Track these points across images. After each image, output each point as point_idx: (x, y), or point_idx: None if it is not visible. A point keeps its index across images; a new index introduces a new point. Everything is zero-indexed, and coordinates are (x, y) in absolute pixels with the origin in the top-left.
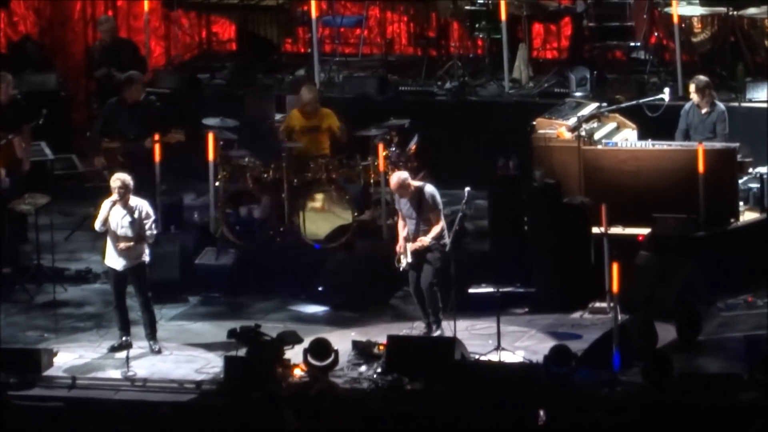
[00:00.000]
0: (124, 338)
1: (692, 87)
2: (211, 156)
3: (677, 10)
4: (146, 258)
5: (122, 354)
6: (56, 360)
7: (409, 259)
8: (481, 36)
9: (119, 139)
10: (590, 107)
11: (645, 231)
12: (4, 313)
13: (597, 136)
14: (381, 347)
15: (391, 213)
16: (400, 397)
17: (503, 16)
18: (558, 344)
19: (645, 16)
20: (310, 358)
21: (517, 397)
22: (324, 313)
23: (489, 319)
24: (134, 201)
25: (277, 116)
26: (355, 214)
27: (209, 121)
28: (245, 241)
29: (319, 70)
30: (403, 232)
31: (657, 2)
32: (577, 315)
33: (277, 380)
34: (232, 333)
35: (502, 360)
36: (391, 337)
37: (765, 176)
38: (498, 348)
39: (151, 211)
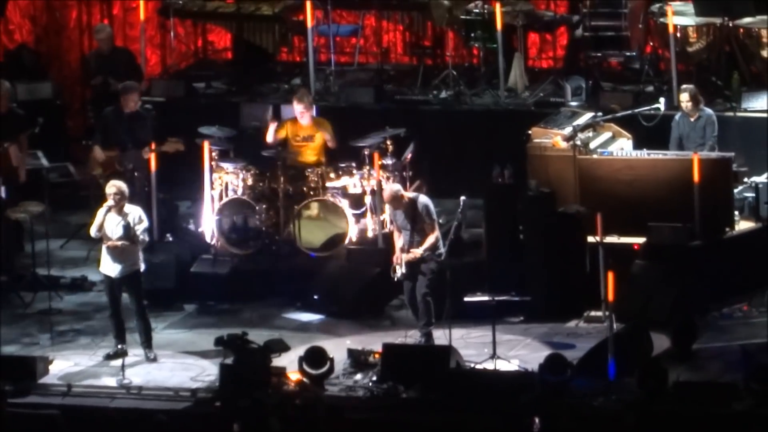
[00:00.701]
0: (119, 346)
1: (685, 96)
2: (206, 165)
3: (673, 19)
4: (141, 265)
5: (117, 362)
6: (52, 368)
7: (404, 270)
8: (476, 45)
9: (117, 148)
10: (586, 116)
11: (640, 240)
12: None
13: (592, 145)
14: (376, 355)
15: (387, 221)
16: (396, 406)
17: (499, 25)
18: (553, 353)
19: (640, 26)
20: (305, 367)
21: (512, 406)
22: (319, 321)
23: (484, 328)
24: (129, 208)
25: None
26: (350, 222)
27: (205, 130)
28: (241, 250)
29: (314, 79)
30: (399, 243)
31: (652, 12)
32: (572, 324)
33: (263, 388)
34: (218, 340)
35: (497, 368)
36: (386, 346)
37: (760, 185)
38: (493, 356)
39: (144, 217)
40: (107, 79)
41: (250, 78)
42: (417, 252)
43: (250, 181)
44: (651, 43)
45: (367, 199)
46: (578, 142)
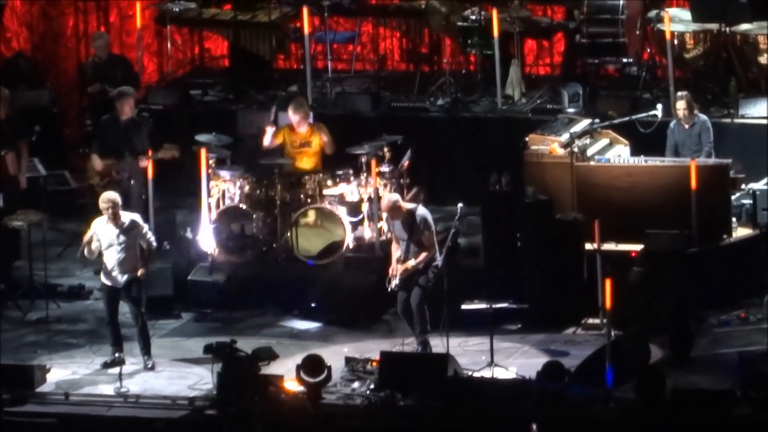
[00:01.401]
0: (116, 354)
1: (682, 103)
2: (203, 172)
3: (670, 26)
4: (141, 272)
5: (115, 370)
6: (49, 376)
7: (398, 281)
8: (473, 52)
9: (114, 155)
10: (583, 123)
11: (638, 247)
12: None
13: (590, 152)
14: (374, 363)
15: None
16: (393, 414)
17: (496, 32)
18: (551, 360)
19: (638, 33)
20: (302, 375)
21: (509, 414)
22: (317, 329)
23: (482, 335)
24: (125, 216)
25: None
26: (348, 230)
27: (202, 138)
28: (238, 258)
29: (311, 86)
30: (396, 253)
31: (650, 18)
32: (570, 331)
33: (250, 395)
34: (207, 348)
35: (495, 376)
36: (384, 353)
37: (758, 192)
38: (491, 364)
39: (143, 223)
40: (104, 87)
41: (247, 85)
42: (410, 264)
43: (247, 189)
44: (648, 50)
45: (365, 207)
46: (575, 149)
